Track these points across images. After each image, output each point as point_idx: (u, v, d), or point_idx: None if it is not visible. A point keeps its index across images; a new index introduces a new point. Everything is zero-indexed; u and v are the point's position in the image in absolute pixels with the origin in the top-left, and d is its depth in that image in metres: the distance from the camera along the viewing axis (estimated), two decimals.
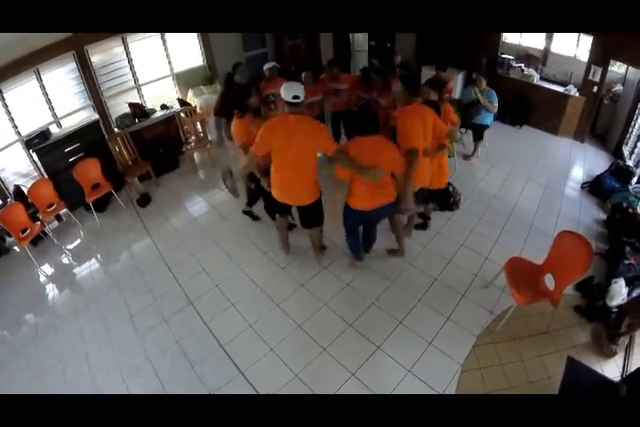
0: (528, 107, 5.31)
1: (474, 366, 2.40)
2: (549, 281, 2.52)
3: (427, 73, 5.16)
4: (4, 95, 4.12)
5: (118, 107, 5.06)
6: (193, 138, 4.96)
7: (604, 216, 3.65)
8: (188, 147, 4.83)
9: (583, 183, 4.13)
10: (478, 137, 4.41)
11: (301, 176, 2.56)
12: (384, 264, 3.14)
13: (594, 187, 4.01)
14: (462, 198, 3.72)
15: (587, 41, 4.68)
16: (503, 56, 5.57)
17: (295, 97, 2.38)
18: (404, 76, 2.96)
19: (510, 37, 5.61)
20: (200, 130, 5.02)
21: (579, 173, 4.41)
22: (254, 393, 2.34)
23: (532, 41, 5.40)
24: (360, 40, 6.25)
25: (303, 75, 4.15)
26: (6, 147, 4.34)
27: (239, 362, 2.53)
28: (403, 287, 2.91)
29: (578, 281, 2.76)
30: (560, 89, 5.11)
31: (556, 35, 5.10)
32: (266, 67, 4.17)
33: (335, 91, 4.18)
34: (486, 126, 4.25)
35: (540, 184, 4.12)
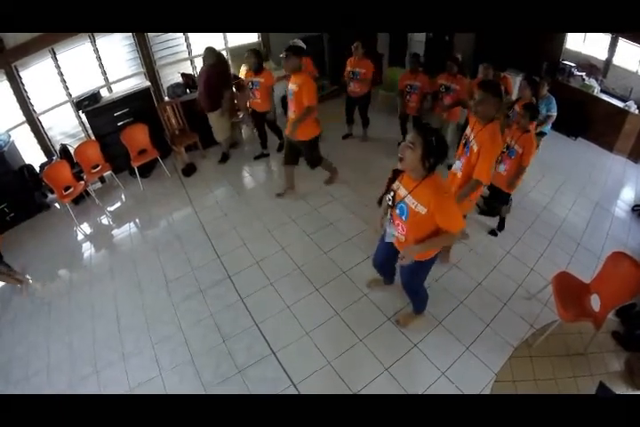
0: (586, 118, 5.07)
1: (507, 377, 2.33)
2: (594, 302, 2.43)
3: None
4: (57, 57, 4.20)
5: (169, 76, 5.08)
6: (242, 113, 4.92)
7: None
8: (236, 119, 4.79)
9: (634, 206, 3.95)
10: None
11: None
12: None
13: None
14: (513, 205, 3.58)
15: None
16: (565, 62, 5.33)
17: None
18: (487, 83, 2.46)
19: (572, 44, 5.34)
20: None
21: (630, 195, 4.21)
22: (284, 374, 2.33)
23: (595, 50, 5.12)
24: None
25: (354, 45, 4.16)
26: (56, 106, 4.43)
27: (272, 342, 2.52)
28: (445, 287, 2.84)
29: (620, 306, 2.66)
30: (620, 104, 4.85)
31: (619, 47, 4.83)
32: (292, 42, 4.26)
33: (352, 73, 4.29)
34: (544, 134, 4.08)
35: (592, 201, 3.95)
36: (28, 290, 3.24)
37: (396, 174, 1.90)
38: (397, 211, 1.89)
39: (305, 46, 4.27)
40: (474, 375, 2.31)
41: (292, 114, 3.33)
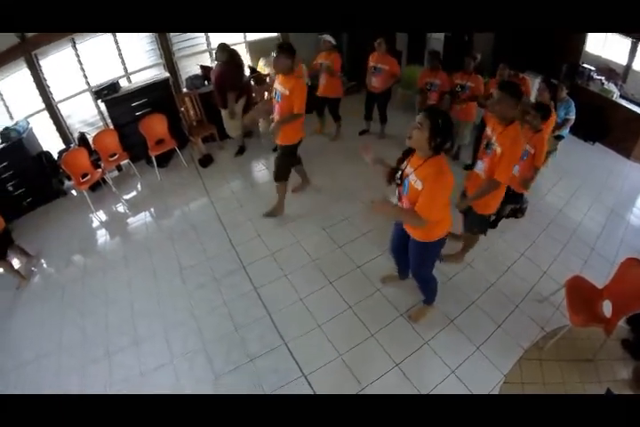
0: (604, 123, 5.01)
1: (516, 379, 2.33)
2: (606, 308, 2.42)
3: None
4: (77, 46, 4.27)
5: (188, 68, 5.12)
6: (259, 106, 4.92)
7: None
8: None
9: None
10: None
11: None
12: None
13: None
14: (529, 207, 3.57)
15: None
16: (584, 66, 5.26)
17: None
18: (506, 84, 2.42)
19: (592, 47, 5.27)
20: (267, 98, 4.96)
21: None
22: (295, 365, 2.35)
23: (614, 54, 5.05)
24: None
25: (377, 41, 4.15)
26: (75, 95, 4.49)
27: (284, 332, 2.54)
28: (458, 286, 2.84)
29: (632, 314, 2.64)
30: (638, 110, 4.79)
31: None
32: (321, 37, 4.19)
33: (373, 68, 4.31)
34: (561, 137, 4.05)
35: (607, 207, 3.91)
36: (24, 285, 3.28)
37: (406, 155, 1.97)
38: (402, 188, 1.96)
39: (335, 42, 4.24)
40: (483, 376, 2.31)
41: (276, 116, 3.04)
